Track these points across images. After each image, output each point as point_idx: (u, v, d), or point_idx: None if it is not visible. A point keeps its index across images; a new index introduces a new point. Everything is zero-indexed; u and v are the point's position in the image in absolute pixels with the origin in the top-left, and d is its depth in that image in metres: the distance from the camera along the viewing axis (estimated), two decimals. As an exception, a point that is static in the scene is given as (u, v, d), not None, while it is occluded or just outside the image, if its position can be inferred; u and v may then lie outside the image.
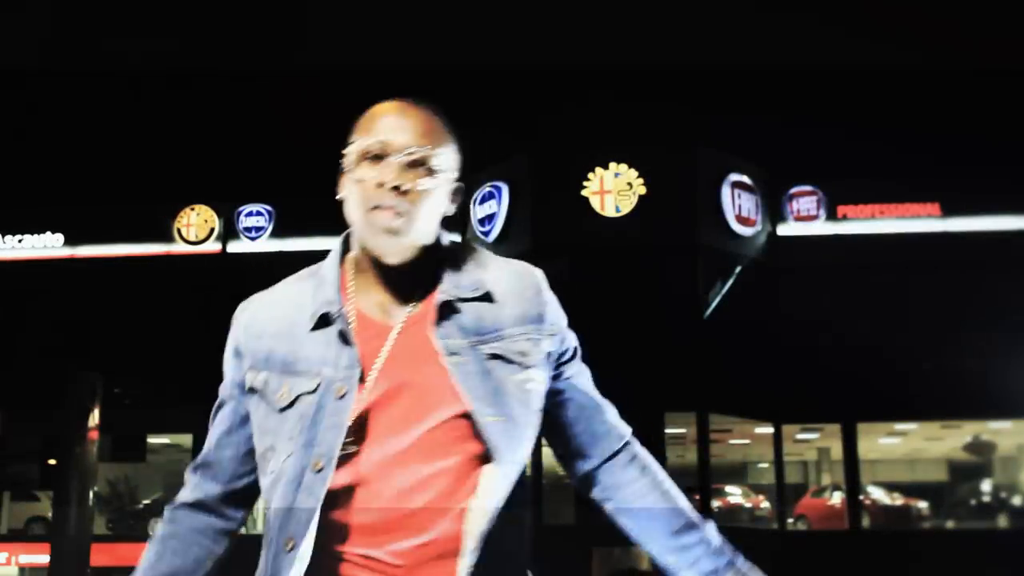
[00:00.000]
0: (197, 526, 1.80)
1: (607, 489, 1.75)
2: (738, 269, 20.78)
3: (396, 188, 1.58)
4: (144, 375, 20.91)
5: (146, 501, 22.84)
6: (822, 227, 21.24)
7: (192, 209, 22.56)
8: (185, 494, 1.81)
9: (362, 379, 1.57)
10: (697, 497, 19.41)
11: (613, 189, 20.04)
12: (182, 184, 24.37)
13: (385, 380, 1.57)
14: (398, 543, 1.54)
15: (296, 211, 22.14)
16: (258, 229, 22.34)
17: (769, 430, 20.76)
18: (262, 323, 1.68)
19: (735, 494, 21.87)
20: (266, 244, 22.24)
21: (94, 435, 14.00)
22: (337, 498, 1.55)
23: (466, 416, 1.56)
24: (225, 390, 1.74)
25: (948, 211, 21.19)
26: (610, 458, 1.75)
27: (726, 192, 20.47)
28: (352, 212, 1.63)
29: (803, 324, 19.22)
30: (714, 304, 20.48)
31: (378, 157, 1.59)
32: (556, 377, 1.70)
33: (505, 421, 1.56)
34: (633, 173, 20.09)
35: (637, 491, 1.75)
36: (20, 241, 22.98)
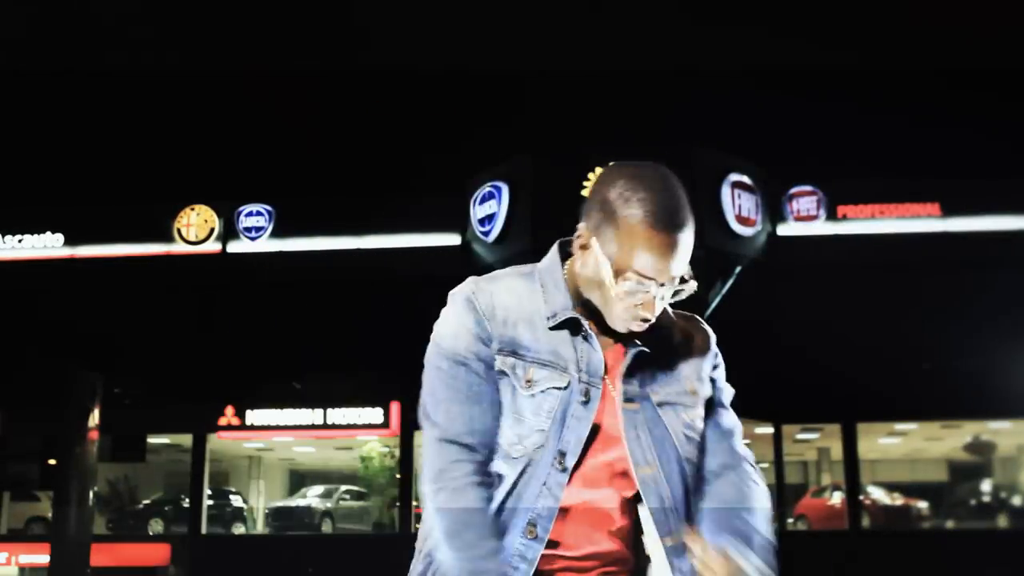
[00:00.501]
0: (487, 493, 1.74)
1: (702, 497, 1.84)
2: (738, 269, 20.78)
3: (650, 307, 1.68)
4: (144, 375, 20.91)
5: (146, 501, 22.85)
6: (822, 227, 21.23)
7: (192, 209, 22.55)
8: (469, 488, 1.70)
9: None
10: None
11: (613, 189, 20.03)
12: (182, 184, 24.38)
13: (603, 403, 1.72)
14: (585, 549, 1.72)
15: (296, 211, 22.14)
16: (258, 229, 22.33)
17: (769, 430, 20.76)
18: (504, 309, 1.72)
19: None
20: (266, 244, 22.23)
21: (94, 435, 14.02)
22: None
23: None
24: (467, 356, 1.72)
25: (948, 211, 21.18)
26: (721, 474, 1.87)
27: (726, 192, 20.46)
28: (602, 288, 1.68)
29: (803, 324, 19.21)
30: (714, 304, 20.48)
31: (639, 273, 1.65)
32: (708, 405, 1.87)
33: (654, 471, 1.70)
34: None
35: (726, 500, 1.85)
36: (20, 241, 22.97)
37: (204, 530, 20.92)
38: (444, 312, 1.78)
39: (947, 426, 22.33)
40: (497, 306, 1.72)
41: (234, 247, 22.48)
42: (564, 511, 1.69)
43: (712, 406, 1.86)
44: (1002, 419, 21.30)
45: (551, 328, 1.70)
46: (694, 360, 1.80)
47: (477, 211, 21.33)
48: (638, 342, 1.72)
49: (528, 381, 1.68)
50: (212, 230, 22.50)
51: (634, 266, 1.62)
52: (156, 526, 21.99)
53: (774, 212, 21.42)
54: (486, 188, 21.17)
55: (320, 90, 32.38)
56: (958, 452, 23.26)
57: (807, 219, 21.29)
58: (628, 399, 1.71)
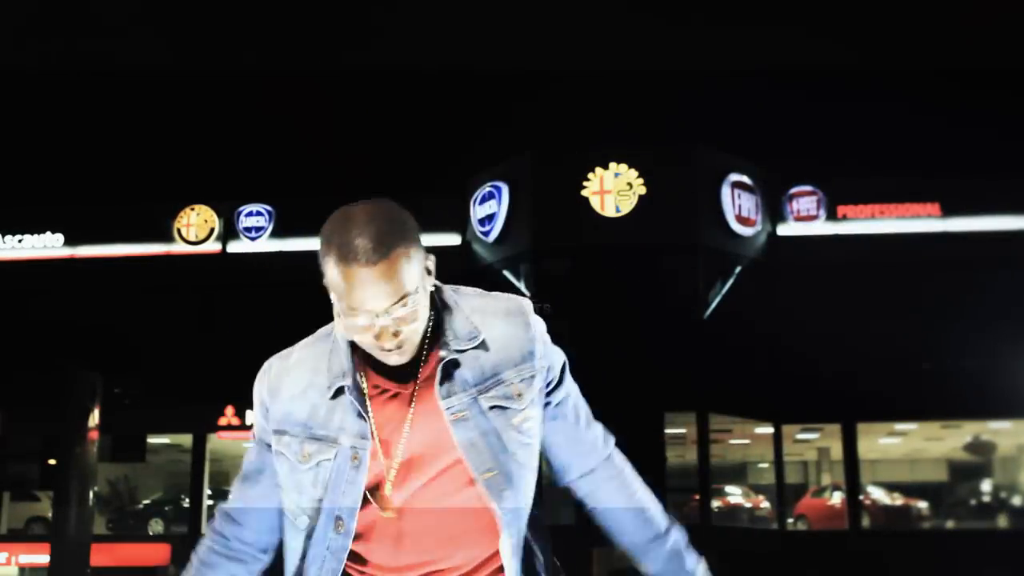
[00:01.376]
0: (230, 570, 1.91)
1: (585, 496, 1.91)
2: (738, 269, 20.78)
3: (394, 334, 1.66)
4: (144, 375, 20.90)
5: (146, 501, 22.84)
6: (822, 227, 21.24)
7: (192, 209, 22.56)
8: (215, 542, 1.92)
9: (382, 443, 1.73)
10: (697, 497, 19.43)
11: (613, 189, 20.03)
12: (182, 184, 24.38)
13: (409, 445, 1.73)
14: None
15: (296, 211, 22.14)
16: (258, 229, 22.34)
17: (769, 430, 20.76)
18: (289, 387, 1.79)
19: (735, 494, 21.87)
20: (266, 244, 22.24)
21: (94, 435, 14.02)
22: (358, 555, 1.76)
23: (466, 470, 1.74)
24: (254, 443, 1.87)
25: (948, 211, 21.19)
26: (587, 473, 1.90)
27: (726, 192, 20.47)
28: (352, 336, 1.72)
29: (803, 324, 19.20)
30: (714, 304, 20.48)
31: (359, 315, 1.67)
32: (546, 405, 1.83)
33: (497, 474, 1.72)
34: (633, 173, 20.09)
35: (610, 499, 1.90)
36: (20, 241, 22.97)
37: (204, 530, 20.90)
38: None
39: (947, 426, 22.32)
40: (282, 386, 1.79)
41: (234, 247, 22.48)
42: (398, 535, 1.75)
43: (554, 401, 1.84)
44: (1002, 419, 21.29)
45: (330, 398, 1.74)
46: (514, 357, 1.77)
47: (477, 211, 21.34)
48: (444, 353, 1.73)
49: (304, 456, 1.75)
50: (212, 230, 22.50)
51: (347, 303, 1.67)
52: (156, 526, 21.98)
53: (774, 212, 21.43)
54: (486, 188, 21.18)
55: (320, 91, 32.38)
56: (958, 452, 23.25)
57: (807, 219, 21.29)
58: (455, 411, 1.72)
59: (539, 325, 1.82)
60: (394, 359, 1.69)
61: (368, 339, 1.67)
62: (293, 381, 1.78)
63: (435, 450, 1.73)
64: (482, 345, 1.75)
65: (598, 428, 1.92)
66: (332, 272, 1.70)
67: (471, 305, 1.81)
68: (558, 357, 1.85)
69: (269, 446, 1.81)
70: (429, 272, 1.76)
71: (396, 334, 1.66)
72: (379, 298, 1.64)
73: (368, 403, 1.74)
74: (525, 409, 1.76)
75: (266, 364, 1.86)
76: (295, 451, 1.75)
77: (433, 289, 1.78)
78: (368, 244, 1.65)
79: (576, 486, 1.91)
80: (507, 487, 1.74)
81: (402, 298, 1.65)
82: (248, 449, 1.89)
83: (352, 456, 1.72)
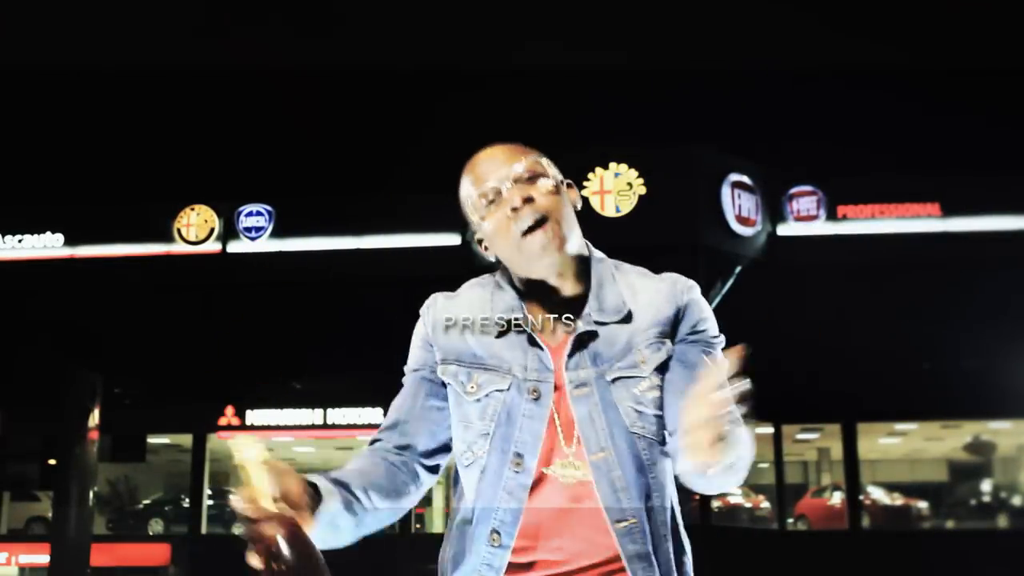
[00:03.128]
0: (397, 460, 1.76)
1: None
2: (738, 269, 20.78)
3: (528, 200, 1.67)
4: (144, 375, 20.91)
5: (146, 501, 22.85)
6: (822, 227, 21.24)
7: (192, 209, 22.55)
8: (378, 448, 1.78)
9: (556, 387, 1.68)
10: (697, 497, 19.44)
11: (613, 189, 20.04)
12: (182, 184, 24.39)
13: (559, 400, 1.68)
14: (556, 548, 1.66)
15: (296, 211, 22.15)
16: (258, 229, 22.34)
17: (769, 430, 20.75)
18: (452, 320, 1.77)
19: (735, 494, 21.85)
20: (266, 244, 22.24)
21: (94, 435, 14.01)
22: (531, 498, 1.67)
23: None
24: (417, 366, 1.80)
25: (948, 211, 21.19)
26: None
27: (726, 192, 20.47)
28: (503, 252, 1.74)
29: (803, 324, 19.21)
30: (714, 304, 20.44)
31: (494, 198, 1.71)
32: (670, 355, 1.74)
33: (607, 455, 1.65)
34: (633, 173, 20.10)
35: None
36: (20, 241, 22.97)
37: (204, 530, 20.91)
38: None
39: (947, 426, 22.31)
40: (444, 319, 1.76)
41: (234, 247, 22.48)
42: (538, 515, 1.66)
43: (683, 363, 1.72)
44: (1002, 419, 21.28)
45: (496, 335, 1.71)
46: (646, 322, 1.71)
47: (477, 211, 21.33)
48: (583, 324, 1.69)
49: (472, 386, 1.70)
50: (212, 230, 22.50)
51: (480, 179, 1.71)
52: (156, 526, 21.99)
53: (774, 212, 21.42)
54: (486, 188, 21.17)
55: (320, 90, 32.38)
56: (958, 452, 23.24)
57: (807, 219, 21.29)
58: (577, 384, 1.67)
59: (692, 295, 1.77)
60: (541, 247, 1.66)
61: (510, 229, 1.67)
62: (460, 314, 1.76)
63: (569, 431, 1.67)
64: (626, 318, 1.72)
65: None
66: (467, 174, 1.76)
67: (627, 280, 1.78)
68: (709, 323, 1.77)
69: (429, 380, 1.76)
70: (572, 192, 1.79)
71: (530, 200, 1.66)
72: (507, 161, 1.69)
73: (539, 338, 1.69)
74: (648, 377, 1.69)
75: (430, 299, 1.83)
76: (462, 381, 1.71)
77: (595, 255, 1.79)
78: (500, 145, 1.74)
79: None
80: (618, 470, 1.65)
81: (533, 173, 1.69)
82: (403, 387, 1.82)
83: (531, 389, 1.66)
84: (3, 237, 23.01)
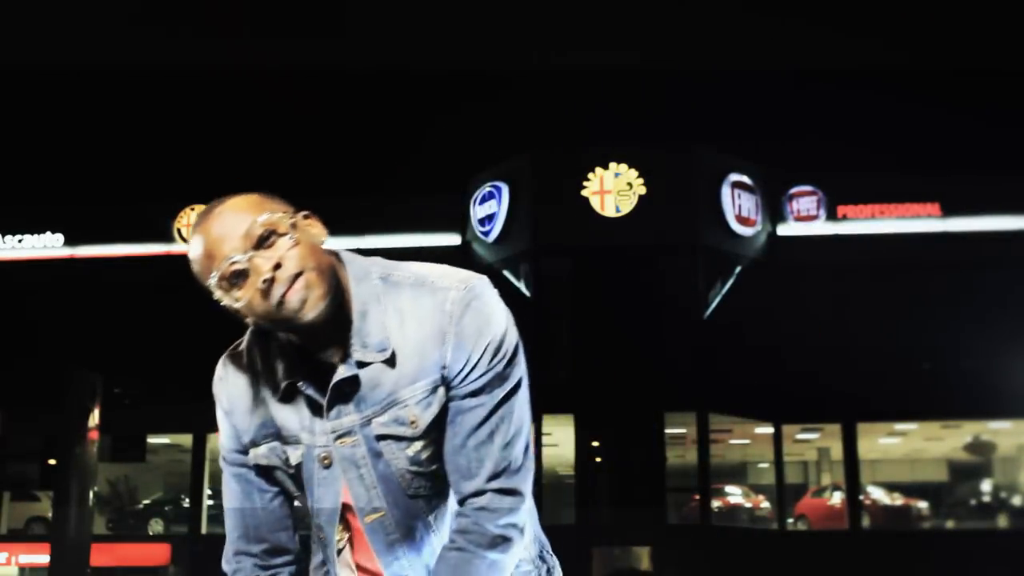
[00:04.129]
0: None
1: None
2: (738, 269, 20.78)
3: (276, 267, 1.43)
4: (144, 375, 20.90)
5: (146, 501, 22.84)
6: (822, 227, 21.24)
7: (192, 209, 22.54)
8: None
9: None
10: (697, 497, 19.43)
11: (613, 189, 20.03)
12: (182, 184, 24.37)
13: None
14: None
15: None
16: (258, 229, 22.33)
17: (769, 430, 20.75)
18: (243, 397, 1.60)
19: (735, 494, 21.86)
20: (266, 244, 22.22)
21: (94, 435, 14.01)
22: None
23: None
24: (234, 464, 1.67)
25: (948, 211, 21.18)
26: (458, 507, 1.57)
27: (726, 192, 20.47)
28: (265, 321, 1.49)
29: (803, 324, 19.21)
30: (714, 304, 20.47)
31: (230, 279, 1.47)
32: (449, 400, 1.52)
33: (383, 515, 1.54)
34: (633, 173, 20.09)
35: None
36: (20, 241, 22.97)
37: (204, 530, 20.91)
38: None
39: (947, 426, 22.31)
40: (237, 396, 1.60)
41: (234, 247, 22.46)
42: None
43: (460, 412, 1.50)
44: (1002, 419, 21.29)
45: (280, 401, 1.55)
46: (412, 368, 1.48)
47: (477, 211, 21.33)
48: (344, 368, 1.48)
49: (285, 460, 1.57)
50: (212, 230, 22.49)
51: (211, 256, 1.47)
52: (156, 526, 21.98)
53: (774, 212, 21.42)
54: (486, 188, 21.17)
55: (320, 90, 32.37)
56: (958, 452, 23.25)
57: (807, 219, 21.29)
58: (340, 434, 1.51)
59: (469, 320, 1.48)
60: (300, 303, 1.43)
61: (269, 301, 1.44)
62: (249, 387, 1.59)
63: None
64: (390, 360, 1.48)
65: (492, 461, 1.50)
66: (200, 270, 1.50)
67: (398, 300, 1.50)
68: (483, 353, 1.48)
69: (246, 459, 1.63)
70: (313, 225, 1.53)
71: (277, 266, 1.42)
72: (238, 228, 1.42)
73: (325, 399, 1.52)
74: (417, 441, 1.50)
75: (219, 367, 1.65)
76: (277, 457, 1.58)
77: (357, 273, 1.53)
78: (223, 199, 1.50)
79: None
80: (395, 533, 1.54)
81: (269, 231, 1.44)
82: (224, 480, 1.68)
83: (322, 456, 1.53)
84: (3, 237, 23.01)
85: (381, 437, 1.50)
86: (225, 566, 1.69)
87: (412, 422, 1.49)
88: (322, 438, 1.53)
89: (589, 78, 29.57)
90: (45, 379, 16.79)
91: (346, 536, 1.61)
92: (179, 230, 22.49)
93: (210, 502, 21.51)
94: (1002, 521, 21.83)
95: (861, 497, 20.73)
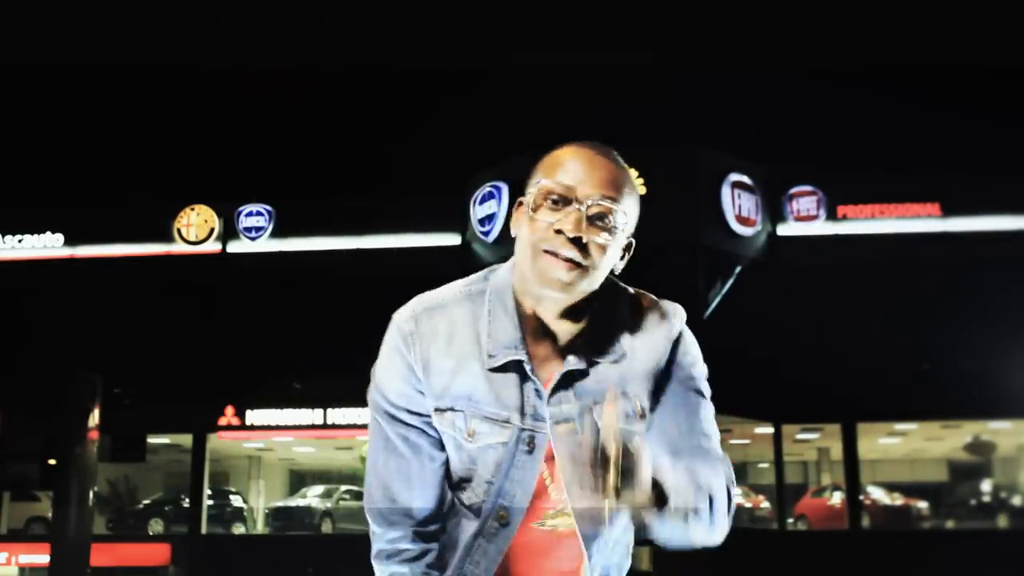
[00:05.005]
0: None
1: None
2: (738, 269, 20.78)
3: (575, 240, 1.50)
4: (144, 375, 20.91)
5: (146, 501, 22.86)
6: (822, 227, 21.24)
7: (192, 209, 22.56)
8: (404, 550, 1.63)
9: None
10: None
11: (613, 189, 20.03)
12: (182, 184, 24.40)
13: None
14: None
15: (296, 211, 22.14)
16: (258, 229, 22.34)
17: (769, 430, 20.76)
18: (441, 354, 1.58)
19: (735, 494, 21.87)
20: (266, 244, 22.24)
21: (94, 435, 14.00)
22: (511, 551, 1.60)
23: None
24: (403, 421, 1.62)
25: (948, 211, 21.19)
26: None
27: (726, 192, 20.48)
28: (522, 252, 1.55)
29: (803, 324, 19.21)
30: (714, 304, 20.48)
31: (560, 202, 1.52)
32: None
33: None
34: (633, 173, 19.98)
35: None
36: (20, 241, 22.97)
37: (204, 530, 20.91)
38: (383, 346, 1.65)
39: (947, 426, 22.32)
40: (433, 353, 1.57)
41: (234, 247, 22.48)
42: (518, 565, 1.60)
43: (675, 407, 1.61)
44: (1002, 419, 21.29)
45: (491, 370, 1.54)
46: (644, 365, 1.59)
47: (477, 211, 21.33)
48: (574, 360, 1.54)
49: (470, 433, 1.56)
50: (212, 230, 22.50)
51: (561, 179, 1.51)
52: (156, 526, 21.99)
53: (774, 212, 21.43)
54: (486, 188, 21.17)
55: (320, 90, 32.37)
56: (958, 452, 23.25)
57: (807, 219, 21.29)
58: (559, 420, 1.53)
59: (686, 335, 1.68)
60: (559, 295, 1.50)
61: (546, 241, 1.49)
62: (450, 344, 1.57)
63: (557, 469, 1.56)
64: (620, 358, 1.59)
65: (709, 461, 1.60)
66: (553, 158, 1.54)
67: (628, 307, 1.66)
68: (699, 362, 1.68)
69: (421, 418, 1.59)
70: (626, 252, 1.64)
71: (581, 244, 1.49)
72: (590, 181, 1.51)
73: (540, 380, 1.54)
74: (640, 426, 1.57)
75: (407, 315, 1.62)
76: (460, 427, 1.56)
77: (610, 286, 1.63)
78: (601, 145, 1.58)
79: None
80: (588, 525, 1.56)
81: (613, 199, 1.53)
82: (375, 429, 1.65)
83: (527, 440, 1.54)
84: (3, 237, 23.02)
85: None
86: (381, 532, 1.62)
87: (640, 414, 1.57)
88: (530, 421, 1.54)
89: (589, 78, 29.57)
90: (45, 379, 16.79)
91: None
92: (179, 230, 22.49)
93: (210, 502, 21.53)
94: (1002, 521, 21.83)
95: (861, 497, 20.74)
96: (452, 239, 21.23)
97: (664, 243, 19.78)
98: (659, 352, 1.62)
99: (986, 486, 22.93)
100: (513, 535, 1.57)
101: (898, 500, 21.77)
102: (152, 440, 22.31)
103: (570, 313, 1.57)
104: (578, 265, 1.50)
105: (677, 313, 1.70)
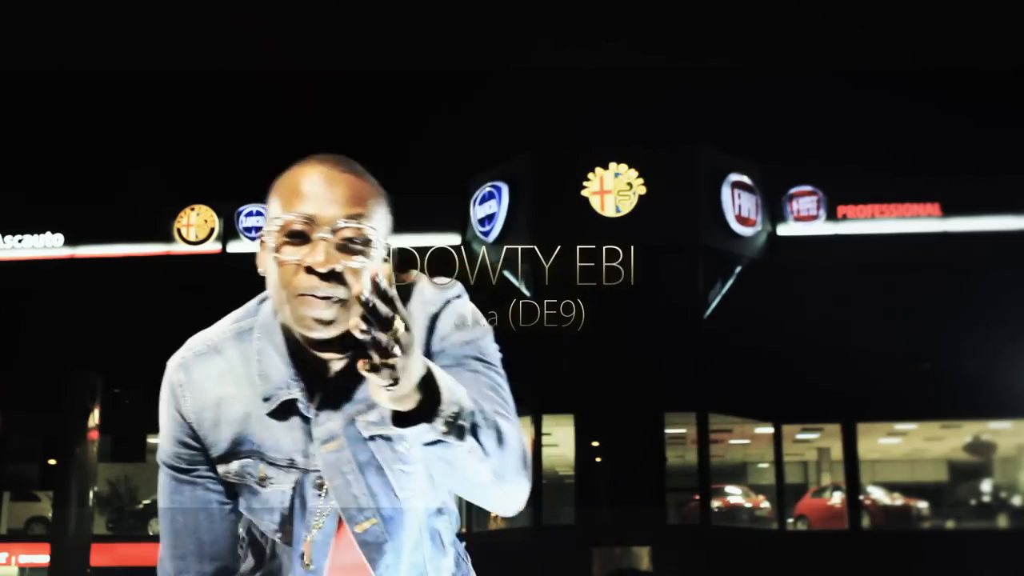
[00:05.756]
0: None
1: None
2: (738, 269, 20.78)
3: (328, 275, 1.34)
4: (144, 375, 20.87)
5: (146, 501, 22.84)
6: (822, 227, 21.24)
7: (192, 209, 22.55)
8: None
9: None
10: (697, 497, 19.43)
11: (613, 189, 20.03)
12: (182, 184, 24.38)
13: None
14: None
15: (296, 211, 22.13)
16: (258, 229, 22.30)
17: (769, 430, 20.75)
18: (214, 406, 1.47)
19: (735, 494, 21.86)
20: (266, 244, 22.23)
21: (94, 435, 14.01)
22: None
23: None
24: (186, 476, 1.50)
25: (948, 211, 21.19)
26: None
27: (726, 192, 20.47)
28: (276, 296, 1.41)
29: (803, 324, 19.21)
30: (714, 304, 20.47)
31: (304, 236, 1.36)
32: None
33: (376, 523, 1.43)
34: (633, 173, 20.09)
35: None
36: (20, 241, 22.97)
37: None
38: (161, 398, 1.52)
39: (947, 426, 22.32)
40: (205, 405, 1.46)
41: (234, 247, 22.47)
42: None
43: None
44: (1002, 419, 21.29)
45: (267, 415, 1.43)
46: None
47: (477, 211, 21.33)
48: (342, 379, 1.40)
49: (261, 478, 1.45)
50: (212, 230, 22.50)
51: (293, 208, 1.36)
52: (156, 526, 21.92)
53: (774, 212, 21.43)
54: (486, 188, 21.17)
55: (320, 90, 32.38)
56: (958, 452, 23.25)
57: (807, 219, 21.29)
58: (326, 439, 1.41)
59: (451, 308, 1.45)
60: (322, 334, 1.35)
61: (295, 284, 1.35)
62: (222, 393, 1.46)
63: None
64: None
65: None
66: (287, 186, 1.41)
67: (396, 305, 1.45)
68: (467, 334, 1.44)
69: (205, 470, 1.48)
70: (386, 259, 1.44)
71: (334, 276, 1.33)
72: (341, 199, 1.36)
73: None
74: (406, 439, 1.37)
75: (176, 367, 1.50)
76: (252, 474, 1.45)
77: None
78: (335, 157, 1.43)
79: None
80: (388, 540, 1.43)
81: (360, 215, 1.36)
82: (164, 491, 1.52)
83: (317, 482, 1.43)
84: (3, 237, 23.01)
85: (371, 438, 1.42)
86: None
87: None
88: (314, 463, 1.43)
89: (590, 78, 29.57)
90: (45, 379, 16.80)
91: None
92: (179, 230, 22.49)
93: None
94: (1002, 521, 21.83)
95: (861, 497, 20.73)
96: (452, 239, 21.23)
97: (664, 243, 19.79)
98: (422, 333, 1.40)
99: (986, 486, 22.92)
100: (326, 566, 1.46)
101: (898, 500, 21.76)
102: (152, 440, 22.29)
103: (339, 339, 1.39)
104: (339, 300, 1.34)
105: (445, 290, 1.47)
